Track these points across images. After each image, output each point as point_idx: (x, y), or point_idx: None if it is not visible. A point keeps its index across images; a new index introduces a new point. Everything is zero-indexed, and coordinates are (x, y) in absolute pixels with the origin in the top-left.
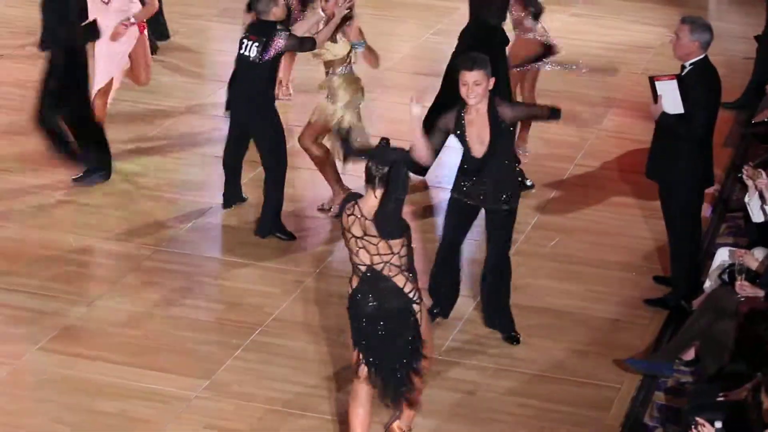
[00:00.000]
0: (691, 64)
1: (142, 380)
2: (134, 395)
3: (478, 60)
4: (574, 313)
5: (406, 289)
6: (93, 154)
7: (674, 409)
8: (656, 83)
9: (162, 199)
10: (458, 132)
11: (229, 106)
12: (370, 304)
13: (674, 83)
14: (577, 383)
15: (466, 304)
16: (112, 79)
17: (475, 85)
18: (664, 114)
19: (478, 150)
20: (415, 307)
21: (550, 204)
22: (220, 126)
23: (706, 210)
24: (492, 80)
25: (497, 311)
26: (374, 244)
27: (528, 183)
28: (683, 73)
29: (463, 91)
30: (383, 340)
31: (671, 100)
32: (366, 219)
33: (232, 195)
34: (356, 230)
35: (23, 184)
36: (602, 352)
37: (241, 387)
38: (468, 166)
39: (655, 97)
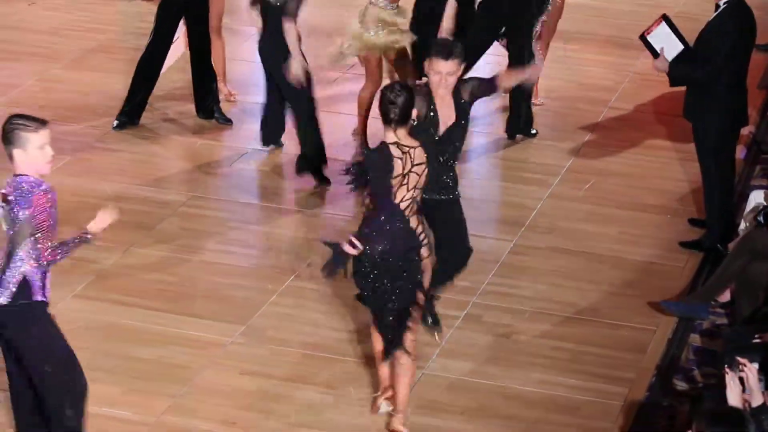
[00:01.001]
0: (725, 3)
1: (178, 326)
2: (170, 341)
3: (454, 49)
4: (608, 256)
5: (418, 231)
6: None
7: (710, 351)
8: (648, 37)
9: (198, 145)
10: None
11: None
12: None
13: (663, 25)
14: (612, 326)
15: (502, 247)
16: None
17: (448, 75)
18: (672, 65)
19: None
20: (423, 251)
21: (584, 147)
22: (255, 72)
23: (740, 152)
24: (462, 67)
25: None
26: (418, 175)
27: (533, 132)
28: (718, 12)
29: (434, 80)
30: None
31: (672, 45)
32: (415, 148)
33: (271, 134)
34: (399, 168)
35: (57, 132)
36: (637, 294)
37: (277, 332)
38: None
39: (654, 53)
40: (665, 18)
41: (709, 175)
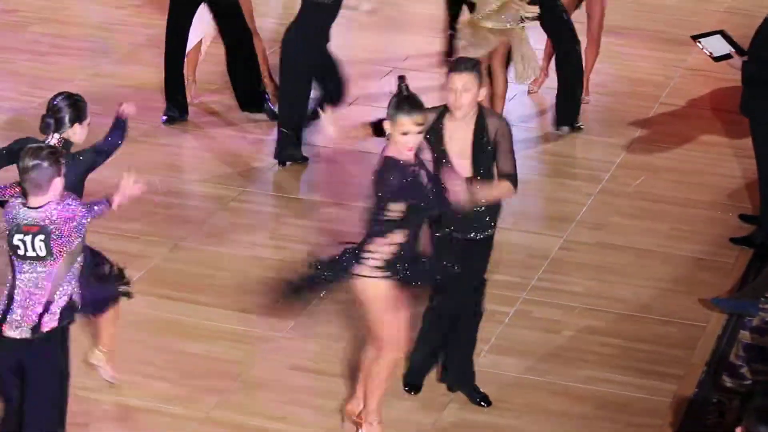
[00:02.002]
0: None
1: (228, 321)
2: (220, 336)
3: (469, 63)
4: (658, 252)
5: None
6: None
7: (759, 347)
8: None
9: (246, 139)
10: (431, 138)
11: None
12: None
13: (719, 37)
14: (662, 322)
15: (551, 243)
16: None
17: (464, 90)
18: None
19: (461, 165)
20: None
21: (635, 142)
22: None
23: None
24: (484, 89)
25: (461, 363)
26: None
27: (579, 125)
28: None
29: (450, 99)
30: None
31: (722, 49)
32: None
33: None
34: None
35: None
36: (687, 290)
37: (327, 327)
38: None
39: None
40: (722, 32)
41: (765, 171)
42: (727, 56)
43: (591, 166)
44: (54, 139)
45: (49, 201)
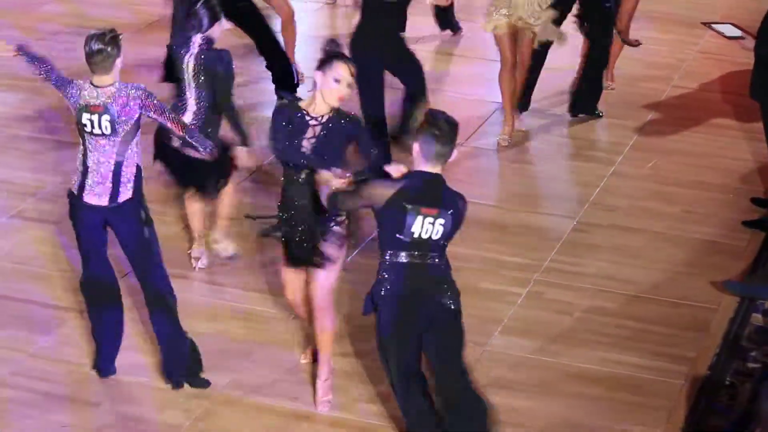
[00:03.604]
0: None
1: (241, 301)
2: (233, 316)
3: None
4: (671, 235)
5: None
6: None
7: None
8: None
9: None
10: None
11: None
12: None
13: (729, 26)
14: (674, 304)
15: (564, 224)
16: None
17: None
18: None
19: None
20: None
21: (647, 125)
22: None
23: None
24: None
25: None
26: None
27: (598, 112)
28: None
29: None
30: None
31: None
32: None
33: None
34: None
35: None
36: (699, 273)
37: (340, 308)
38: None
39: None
40: (733, 23)
41: None
42: (740, 38)
43: (604, 149)
44: (198, 38)
45: (114, 81)
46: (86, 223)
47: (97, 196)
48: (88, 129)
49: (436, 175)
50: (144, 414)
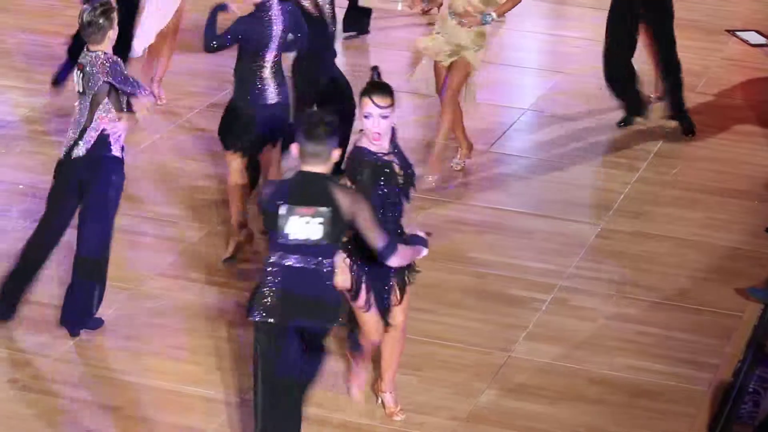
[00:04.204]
0: None
1: None
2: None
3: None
4: (695, 241)
5: None
6: None
7: None
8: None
9: None
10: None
11: None
12: None
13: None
14: (698, 311)
15: (588, 231)
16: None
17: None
18: None
19: None
20: None
21: (672, 132)
22: None
23: None
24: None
25: None
26: None
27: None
28: None
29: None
30: None
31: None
32: None
33: None
34: None
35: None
36: (723, 280)
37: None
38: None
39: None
40: (758, 32)
41: None
42: (764, 45)
43: (628, 155)
44: None
45: (100, 50)
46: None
47: (64, 147)
48: (75, 85)
49: (316, 174)
50: (166, 418)
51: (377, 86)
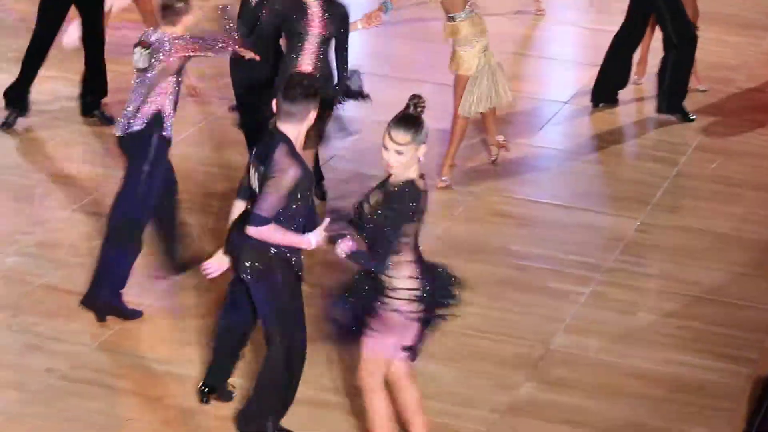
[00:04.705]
0: None
1: None
2: None
3: None
4: (734, 236)
5: None
6: None
7: None
8: None
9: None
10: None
11: None
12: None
13: None
14: (738, 306)
15: (627, 225)
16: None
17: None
18: None
19: None
20: None
21: (711, 126)
22: None
23: None
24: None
25: None
26: None
27: (689, 115)
28: None
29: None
30: None
31: None
32: None
33: None
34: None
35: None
36: (763, 275)
37: None
38: None
39: None
40: None
41: None
42: None
43: (667, 149)
44: None
45: (174, 31)
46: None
47: (119, 127)
48: (134, 62)
49: (279, 134)
50: (204, 408)
51: (401, 121)
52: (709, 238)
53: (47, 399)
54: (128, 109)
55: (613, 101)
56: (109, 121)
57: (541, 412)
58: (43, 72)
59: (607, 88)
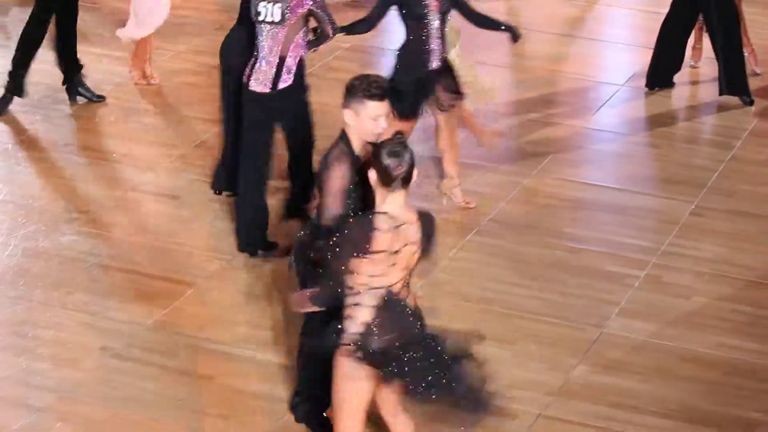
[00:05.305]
0: None
1: None
2: None
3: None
4: None
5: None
6: None
7: None
8: None
9: None
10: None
11: None
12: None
13: None
14: None
15: (682, 208)
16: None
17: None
18: None
19: None
20: None
21: (766, 110)
22: None
23: None
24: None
25: None
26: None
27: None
28: None
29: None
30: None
31: None
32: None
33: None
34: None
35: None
36: None
37: (455, 287)
38: None
39: None
40: None
41: None
42: None
43: (722, 133)
44: None
45: None
46: (250, 115)
47: (261, 84)
48: (261, 17)
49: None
50: (256, 388)
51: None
52: (763, 222)
53: (100, 377)
54: (262, 64)
55: (668, 85)
56: (99, 97)
57: (594, 395)
58: (95, 50)
59: (661, 72)
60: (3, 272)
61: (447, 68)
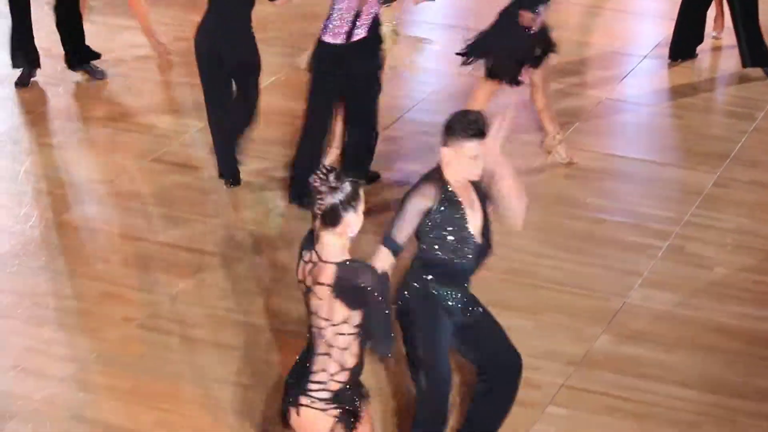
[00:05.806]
0: None
1: None
2: None
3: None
4: None
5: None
6: None
7: None
8: None
9: None
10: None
11: None
12: None
13: None
14: None
15: (705, 179)
16: None
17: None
18: None
19: (476, 227)
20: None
21: None
22: None
23: None
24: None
25: None
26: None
27: None
28: None
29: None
30: None
31: None
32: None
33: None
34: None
35: None
36: None
37: None
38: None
39: None
40: None
41: None
42: None
43: (745, 104)
44: None
45: None
46: (320, 67)
47: (333, 36)
48: None
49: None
50: (275, 358)
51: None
52: None
53: (123, 348)
54: (336, 19)
55: (691, 56)
56: (101, 74)
57: (616, 365)
58: (118, 22)
59: (683, 43)
60: (25, 243)
61: (543, 30)
